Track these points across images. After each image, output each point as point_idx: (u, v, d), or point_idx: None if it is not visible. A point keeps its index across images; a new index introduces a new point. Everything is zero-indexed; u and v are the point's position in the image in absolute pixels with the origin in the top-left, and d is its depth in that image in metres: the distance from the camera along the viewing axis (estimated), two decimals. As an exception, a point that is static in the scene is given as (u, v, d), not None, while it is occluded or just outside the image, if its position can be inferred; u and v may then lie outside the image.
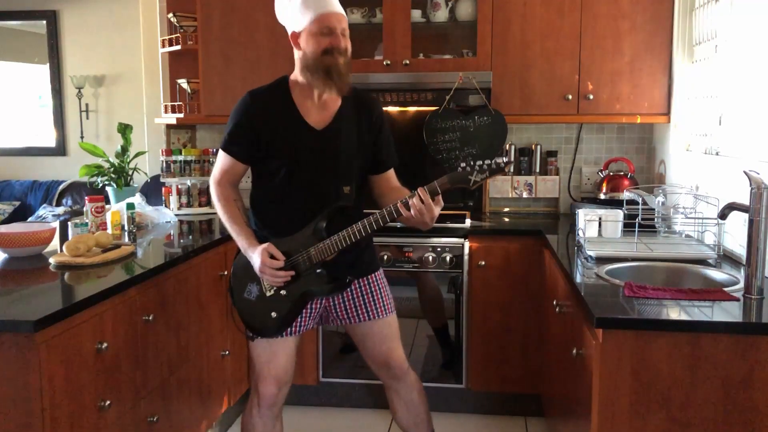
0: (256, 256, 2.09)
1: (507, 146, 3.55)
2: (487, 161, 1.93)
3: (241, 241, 2.16)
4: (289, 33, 2.15)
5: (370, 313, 2.27)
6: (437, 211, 1.98)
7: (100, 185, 3.80)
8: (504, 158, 1.92)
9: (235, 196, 2.26)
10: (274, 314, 2.15)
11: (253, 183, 2.28)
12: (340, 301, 2.26)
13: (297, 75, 2.17)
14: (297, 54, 2.16)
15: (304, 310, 2.21)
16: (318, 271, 2.12)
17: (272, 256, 2.08)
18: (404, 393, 2.37)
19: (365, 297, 2.27)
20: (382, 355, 2.31)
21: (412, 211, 1.96)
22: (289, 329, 2.20)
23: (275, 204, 2.20)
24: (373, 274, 2.30)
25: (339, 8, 2.10)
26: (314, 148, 2.13)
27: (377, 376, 2.40)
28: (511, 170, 3.58)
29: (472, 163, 1.93)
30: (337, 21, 2.07)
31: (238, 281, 2.22)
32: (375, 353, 2.32)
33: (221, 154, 2.22)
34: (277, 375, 2.24)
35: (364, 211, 2.18)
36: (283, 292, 2.13)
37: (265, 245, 2.09)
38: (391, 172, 2.30)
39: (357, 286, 2.26)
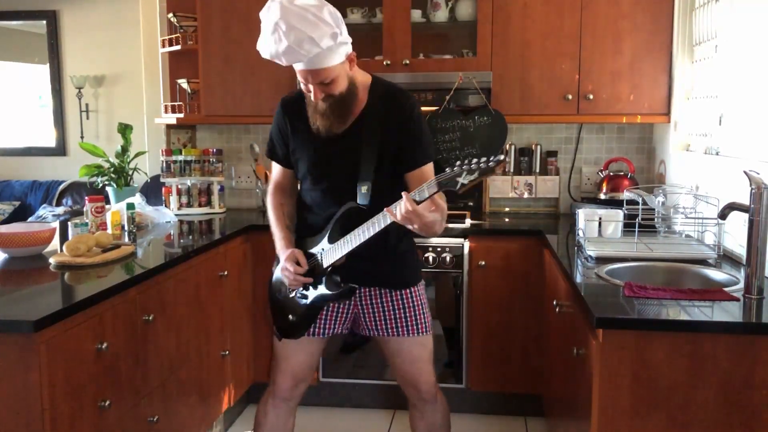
0: (283, 257, 2.12)
1: (507, 146, 3.56)
2: (477, 160, 1.73)
3: (276, 242, 2.21)
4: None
5: (400, 330, 2.18)
6: (432, 217, 1.83)
7: (100, 185, 3.80)
8: (499, 157, 1.72)
9: (283, 201, 2.27)
10: (291, 317, 2.18)
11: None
12: (370, 311, 2.19)
13: None
14: None
15: (332, 314, 2.21)
16: (333, 276, 2.08)
17: (298, 262, 2.09)
18: (429, 415, 2.29)
19: (397, 311, 2.18)
20: (410, 376, 2.23)
21: (398, 217, 1.83)
22: (313, 330, 2.20)
23: (306, 205, 2.21)
24: (410, 289, 2.20)
25: (315, 64, 1.90)
26: (333, 153, 2.10)
27: (404, 393, 2.32)
28: (511, 170, 3.59)
29: (461, 163, 1.76)
30: (308, 77, 1.94)
31: (275, 280, 2.26)
32: (403, 372, 2.24)
33: (272, 162, 2.28)
34: (294, 371, 2.26)
35: None
36: (300, 295, 2.14)
37: (293, 250, 2.11)
38: (423, 171, 2.09)
39: (392, 297, 2.18)
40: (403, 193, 1.81)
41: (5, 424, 1.69)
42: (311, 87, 1.97)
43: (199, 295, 2.67)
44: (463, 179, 1.74)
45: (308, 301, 2.13)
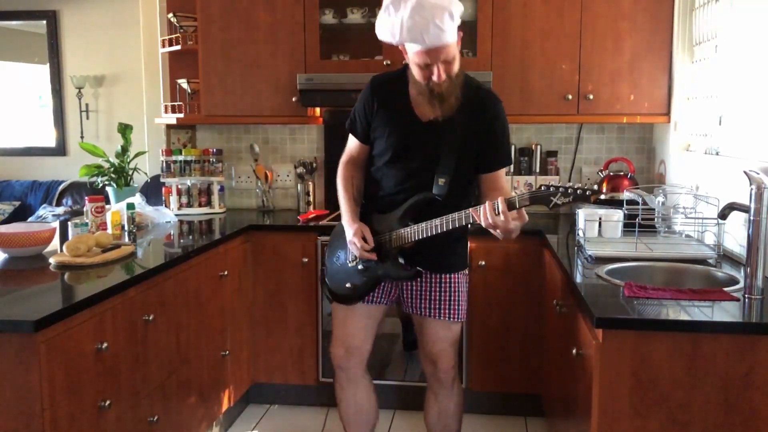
0: (351, 231, 2.21)
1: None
2: (575, 186, 1.87)
3: (344, 213, 2.29)
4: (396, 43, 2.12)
5: (434, 312, 2.29)
6: (514, 225, 1.94)
7: (100, 185, 3.80)
8: (594, 187, 1.89)
9: (354, 173, 2.35)
10: (348, 284, 2.28)
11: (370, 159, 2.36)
12: (409, 288, 2.30)
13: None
14: None
15: (378, 287, 2.31)
16: (398, 256, 2.19)
17: (365, 238, 2.18)
18: (442, 398, 2.39)
19: (437, 294, 2.28)
20: (432, 354, 2.34)
21: (482, 220, 1.95)
22: (360, 300, 2.32)
23: (379, 181, 2.28)
24: (454, 274, 2.30)
25: (441, 40, 1.97)
26: (418, 138, 2.17)
27: (423, 371, 2.43)
28: (511, 170, 3.58)
29: (559, 186, 1.88)
30: (434, 57, 2.01)
31: (331, 246, 2.37)
32: (427, 349, 2.35)
33: (349, 135, 2.36)
34: (344, 339, 2.38)
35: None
36: (361, 266, 2.23)
37: (359, 225, 2.20)
38: (498, 174, 2.23)
39: (430, 279, 2.28)
40: (499, 199, 1.93)
41: (5, 424, 1.69)
42: (436, 68, 2.02)
43: (199, 295, 2.67)
44: (557, 200, 1.86)
45: (370, 274, 2.23)
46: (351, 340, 2.37)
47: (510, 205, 1.91)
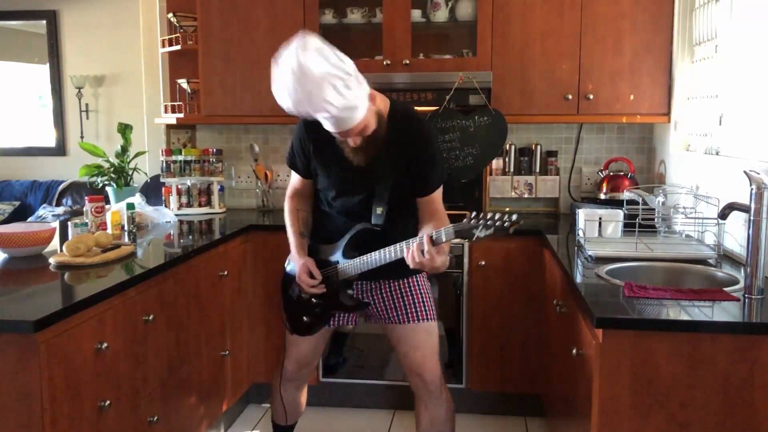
0: (297, 266, 2.26)
1: (507, 146, 3.56)
2: (496, 218, 1.89)
3: (292, 247, 2.33)
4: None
5: (401, 317, 2.28)
6: (440, 261, 1.95)
7: (100, 185, 3.80)
8: (513, 218, 1.89)
9: (300, 206, 2.38)
10: (305, 318, 2.30)
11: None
12: (379, 300, 2.30)
13: None
14: None
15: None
16: (347, 289, 2.23)
17: (312, 274, 2.21)
18: (432, 407, 2.34)
19: (400, 300, 2.29)
20: (416, 363, 2.29)
21: (409, 261, 1.96)
22: (317, 330, 2.34)
23: (323, 214, 2.34)
24: (413, 277, 2.31)
25: (346, 126, 1.96)
26: (351, 176, 2.19)
27: (409, 384, 2.37)
28: (511, 170, 3.59)
29: (480, 216, 1.90)
30: (344, 135, 2.02)
31: (287, 278, 2.38)
32: (409, 359, 2.30)
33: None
34: (299, 357, 2.45)
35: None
36: (314, 300, 2.26)
37: (305, 261, 2.23)
38: (432, 197, 2.22)
39: (391, 287, 2.30)
40: (424, 236, 1.94)
41: (5, 424, 1.69)
42: (349, 139, 2.04)
43: (199, 295, 2.67)
44: (480, 233, 1.89)
45: (322, 306, 2.26)
46: (304, 358, 2.44)
47: (436, 241, 1.94)
